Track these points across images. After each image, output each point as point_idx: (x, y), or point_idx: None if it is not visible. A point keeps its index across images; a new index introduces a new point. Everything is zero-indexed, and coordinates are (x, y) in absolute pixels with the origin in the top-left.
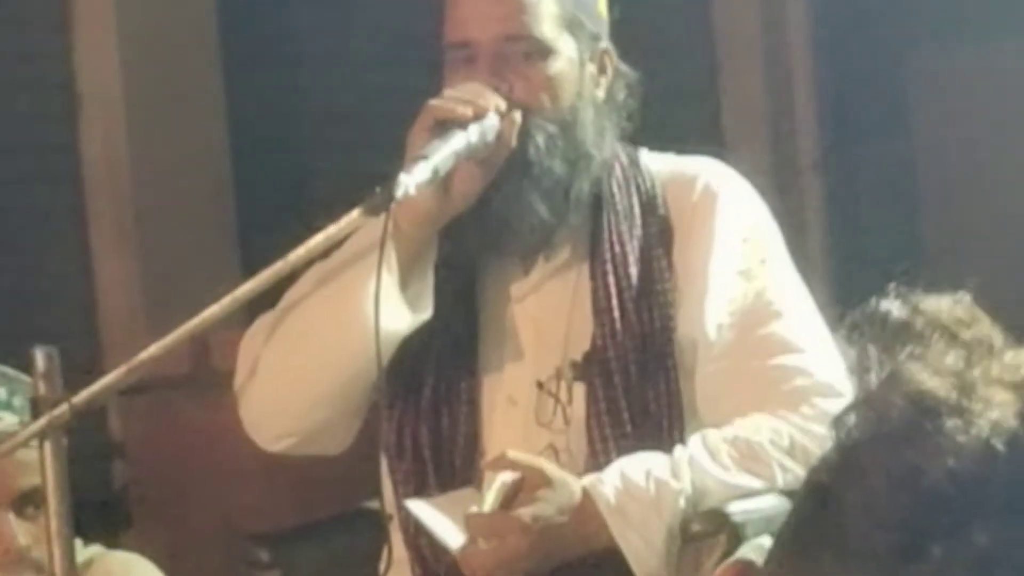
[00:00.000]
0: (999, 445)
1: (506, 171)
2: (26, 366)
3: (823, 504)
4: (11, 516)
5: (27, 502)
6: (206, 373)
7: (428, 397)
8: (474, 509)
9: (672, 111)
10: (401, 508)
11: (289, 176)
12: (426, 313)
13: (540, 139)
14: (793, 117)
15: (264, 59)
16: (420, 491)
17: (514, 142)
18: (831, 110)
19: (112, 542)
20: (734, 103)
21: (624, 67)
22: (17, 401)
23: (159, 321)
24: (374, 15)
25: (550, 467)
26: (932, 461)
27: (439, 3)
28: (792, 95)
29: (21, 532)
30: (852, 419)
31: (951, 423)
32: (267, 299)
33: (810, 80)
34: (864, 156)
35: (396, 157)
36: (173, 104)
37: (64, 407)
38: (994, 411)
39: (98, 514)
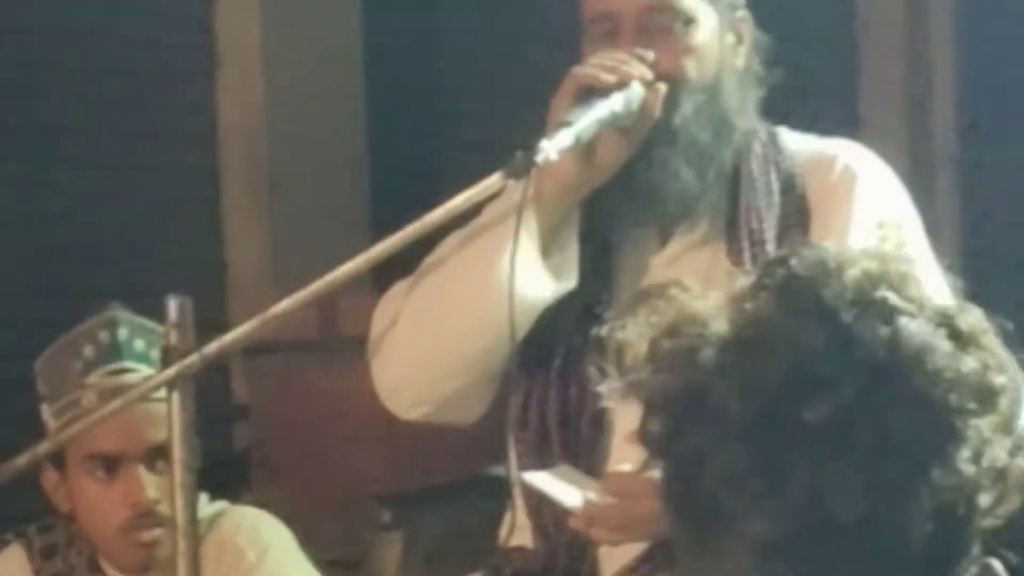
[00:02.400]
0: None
1: (652, 140)
2: (157, 321)
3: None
4: (141, 469)
5: (157, 456)
6: (333, 339)
7: (558, 367)
8: (620, 467)
9: (809, 102)
10: (523, 483)
11: (424, 149)
12: (570, 282)
13: (687, 108)
14: (932, 110)
15: (404, 30)
16: (544, 461)
17: (659, 112)
18: (971, 105)
19: (231, 503)
20: (873, 94)
21: (761, 36)
22: (155, 353)
23: (286, 286)
24: None
25: None
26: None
27: None
28: (932, 88)
29: (151, 485)
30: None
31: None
32: (399, 267)
33: (951, 74)
34: (1003, 152)
35: (533, 131)
36: (311, 70)
37: (194, 357)
38: None
39: (217, 475)
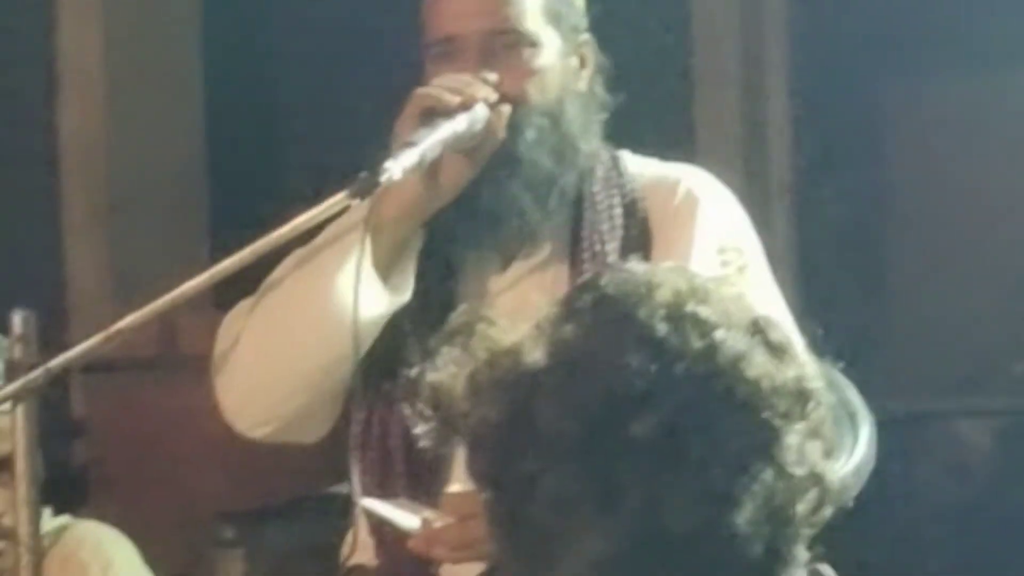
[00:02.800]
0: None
1: (494, 164)
2: None
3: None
4: None
5: (1, 469)
6: (172, 356)
7: (403, 388)
8: (454, 488)
9: (646, 126)
10: (362, 509)
11: (263, 170)
12: (404, 296)
13: (529, 133)
14: (766, 143)
15: (244, 51)
16: (385, 480)
17: (503, 133)
18: (804, 137)
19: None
20: (708, 125)
21: (603, 60)
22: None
23: (126, 304)
24: (353, 8)
25: None
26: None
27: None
28: (766, 120)
29: None
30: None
31: None
32: (240, 286)
33: (785, 106)
34: (835, 185)
35: (374, 153)
36: (152, 90)
37: (39, 371)
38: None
39: (56, 490)
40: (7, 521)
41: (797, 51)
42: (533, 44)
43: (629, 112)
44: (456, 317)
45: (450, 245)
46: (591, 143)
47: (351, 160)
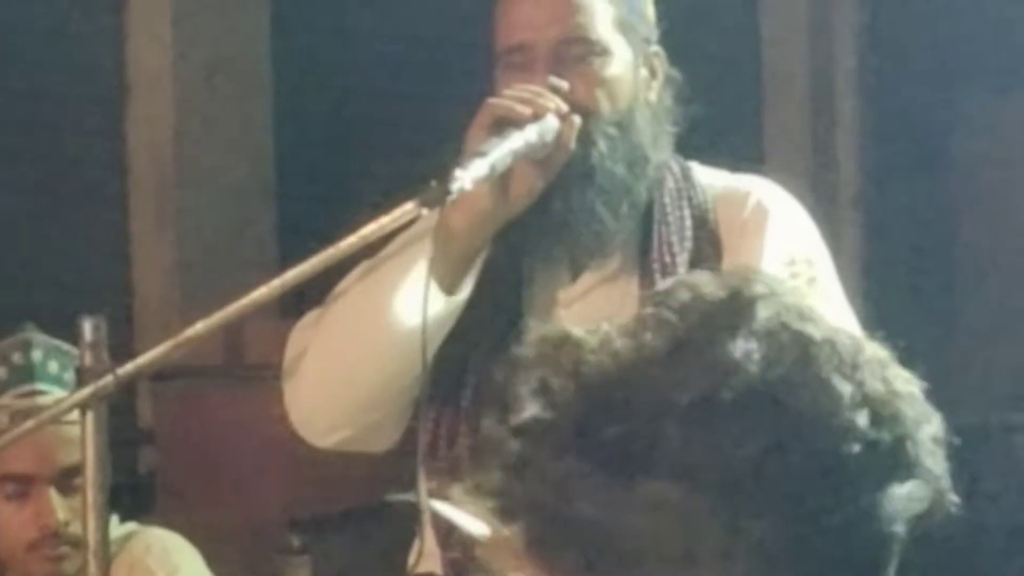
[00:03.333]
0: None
1: (568, 176)
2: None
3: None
4: (52, 491)
5: (69, 478)
6: (238, 365)
7: (469, 397)
8: None
9: (714, 139)
10: (431, 512)
11: (333, 179)
12: (463, 294)
13: (602, 143)
14: (835, 152)
15: (315, 60)
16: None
17: (573, 145)
18: (873, 147)
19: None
20: (777, 133)
21: (672, 72)
22: (68, 376)
23: (192, 312)
24: (430, 21)
25: None
26: None
27: (491, 10)
28: (835, 129)
29: (61, 508)
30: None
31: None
32: (308, 295)
33: (854, 116)
34: (904, 198)
35: (445, 163)
36: (221, 97)
37: (108, 378)
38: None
39: (122, 498)
40: (73, 529)
41: (867, 62)
42: (604, 53)
43: (699, 124)
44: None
45: (520, 255)
46: (661, 154)
47: (422, 169)
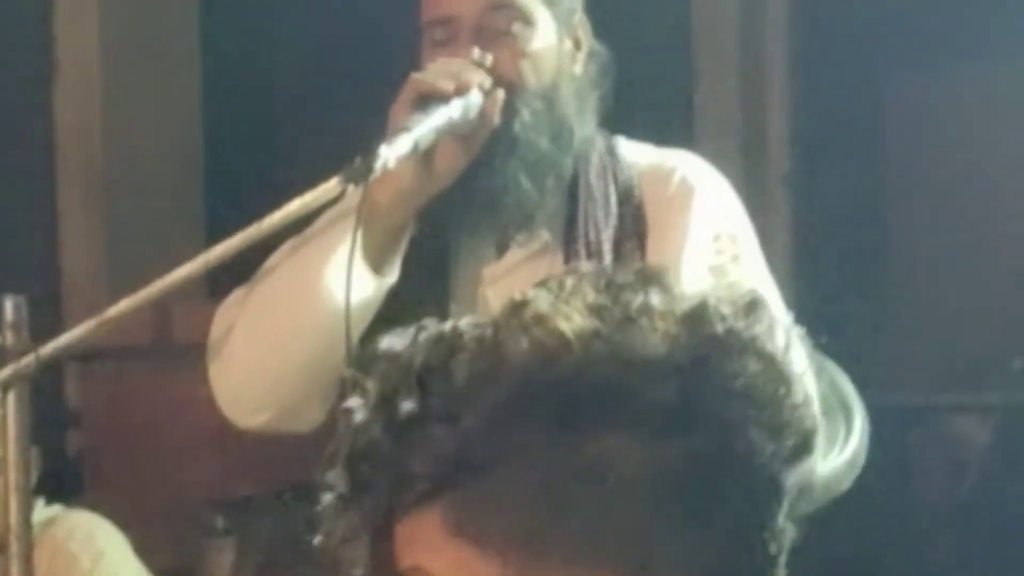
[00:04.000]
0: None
1: (491, 147)
2: None
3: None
4: None
5: None
6: (166, 345)
7: None
8: None
9: (645, 116)
10: None
11: (259, 155)
12: (391, 277)
13: (526, 114)
14: (765, 130)
15: (241, 36)
16: None
17: (497, 120)
18: (803, 127)
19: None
20: (708, 113)
21: (596, 44)
22: None
23: (121, 291)
24: None
25: None
26: None
27: None
28: (765, 109)
29: None
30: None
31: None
32: (234, 274)
33: (784, 95)
34: (833, 175)
35: (369, 139)
36: (149, 74)
37: (30, 358)
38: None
39: (50, 480)
40: None
41: (798, 38)
42: (528, 22)
43: (628, 98)
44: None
45: (445, 231)
46: (586, 127)
47: (348, 146)
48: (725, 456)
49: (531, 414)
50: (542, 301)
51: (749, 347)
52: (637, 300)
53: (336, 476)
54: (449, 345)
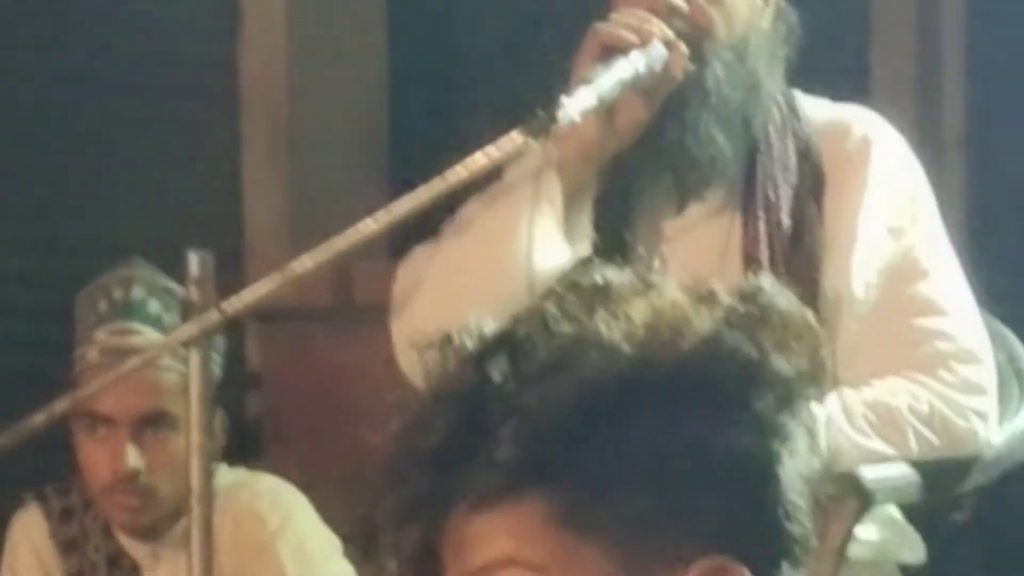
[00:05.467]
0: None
1: (682, 100)
2: (175, 277)
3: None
4: (126, 437)
5: (146, 425)
6: (347, 306)
7: None
8: None
9: (820, 74)
10: None
11: (445, 111)
12: (583, 247)
13: (717, 66)
14: (941, 93)
15: None
16: None
17: (680, 74)
18: (981, 89)
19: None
20: (883, 72)
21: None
22: (168, 318)
23: (303, 246)
24: None
25: None
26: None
27: None
28: (942, 70)
29: (132, 455)
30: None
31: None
32: (415, 233)
33: (961, 56)
34: (1011, 138)
35: (553, 91)
36: (334, 28)
37: (214, 314)
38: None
39: (230, 443)
40: (144, 479)
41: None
42: None
43: (803, 52)
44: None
45: (627, 188)
46: (773, 83)
47: (532, 100)
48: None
49: (638, 401)
50: (638, 288)
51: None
52: (731, 302)
53: (410, 456)
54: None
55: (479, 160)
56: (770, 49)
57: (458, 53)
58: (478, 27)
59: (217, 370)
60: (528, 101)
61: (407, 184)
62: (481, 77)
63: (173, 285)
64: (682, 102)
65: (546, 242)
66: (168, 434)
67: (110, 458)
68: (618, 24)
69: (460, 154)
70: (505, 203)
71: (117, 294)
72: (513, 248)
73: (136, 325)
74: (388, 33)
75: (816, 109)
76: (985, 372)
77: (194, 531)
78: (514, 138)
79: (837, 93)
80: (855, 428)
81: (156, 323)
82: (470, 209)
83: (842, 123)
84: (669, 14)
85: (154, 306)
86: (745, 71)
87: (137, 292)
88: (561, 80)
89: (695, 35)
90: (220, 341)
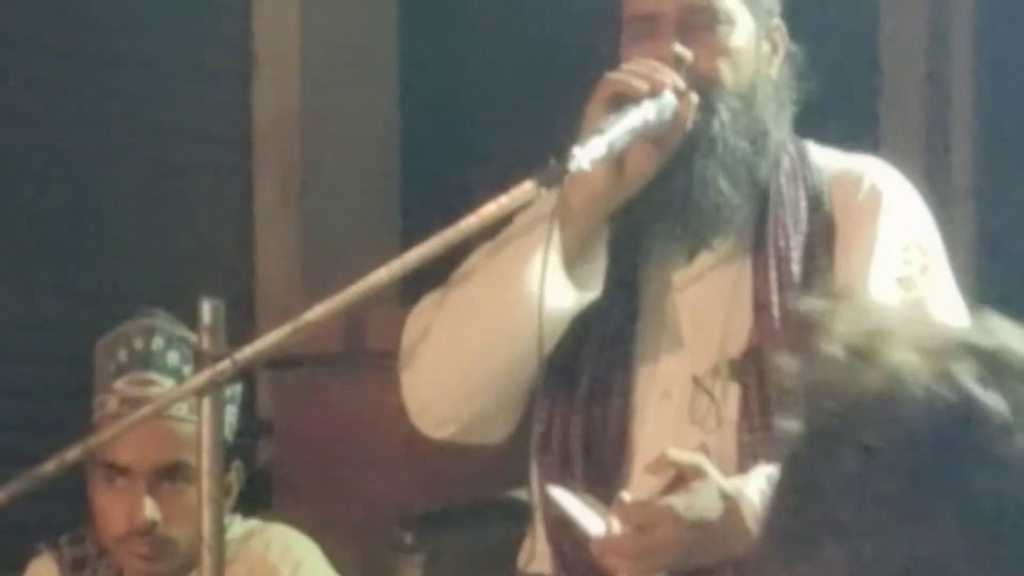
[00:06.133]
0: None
1: (689, 148)
2: (185, 322)
3: (807, 489)
4: (144, 488)
5: (163, 476)
6: (359, 353)
7: (584, 385)
8: (625, 496)
9: (829, 123)
10: (545, 500)
11: (456, 158)
12: (594, 291)
13: (724, 114)
14: (950, 142)
15: (440, 37)
16: (565, 483)
17: (690, 123)
18: (990, 138)
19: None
20: (892, 121)
21: (793, 48)
22: (188, 369)
23: (314, 296)
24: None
25: (708, 465)
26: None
27: None
28: (950, 119)
29: (150, 507)
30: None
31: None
32: (427, 280)
33: (970, 106)
34: (1021, 188)
35: (564, 141)
36: (347, 74)
37: (226, 363)
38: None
39: (241, 491)
40: (162, 531)
41: (984, 47)
42: (729, 22)
43: (813, 103)
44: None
45: (638, 236)
46: (781, 131)
47: (543, 148)
48: None
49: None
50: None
51: None
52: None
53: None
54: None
55: (491, 209)
56: (778, 97)
57: (470, 100)
58: (490, 75)
59: (233, 420)
60: (539, 149)
61: (419, 230)
62: (492, 124)
63: (193, 336)
64: (688, 150)
65: (551, 286)
66: (185, 485)
67: (127, 509)
68: (630, 73)
69: (471, 199)
70: (510, 250)
71: (137, 344)
72: (519, 294)
73: (155, 376)
74: (400, 79)
75: (828, 159)
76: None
77: None
78: (526, 188)
79: (846, 142)
80: None
81: (175, 374)
82: (476, 257)
83: (853, 173)
84: (677, 64)
85: (173, 358)
86: (752, 119)
87: (157, 343)
88: (572, 128)
89: (702, 84)
90: (237, 391)
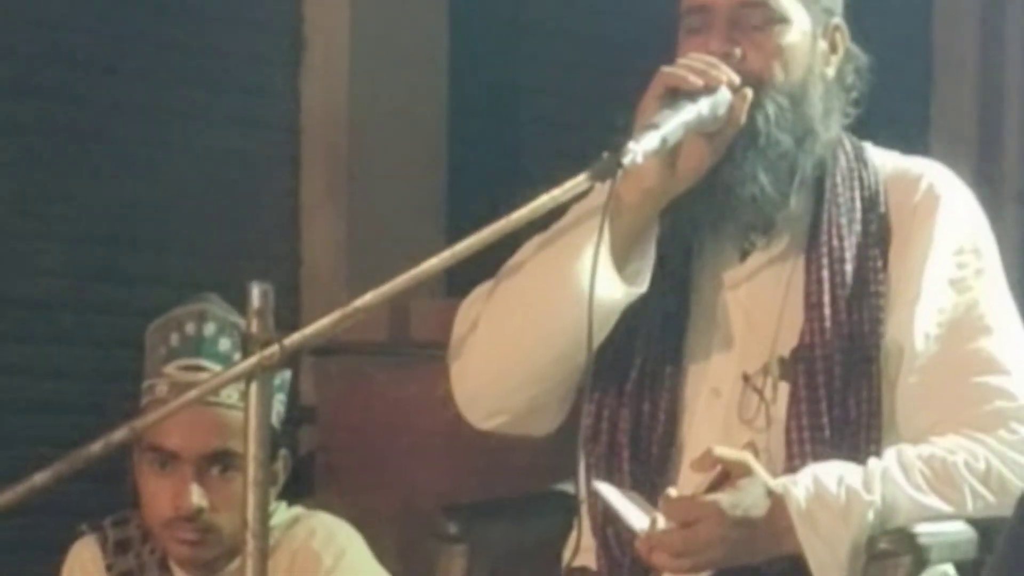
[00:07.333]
0: None
1: (733, 141)
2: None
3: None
4: (191, 475)
5: (211, 463)
6: (403, 342)
7: (634, 380)
8: (672, 492)
9: (881, 126)
10: (591, 494)
11: (504, 149)
12: (642, 287)
13: (770, 110)
14: (1001, 147)
15: (490, 27)
16: (612, 477)
17: (744, 119)
18: None
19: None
20: (943, 126)
21: (855, 48)
22: (237, 357)
23: (360, 282)
24: None
25: (754, 463)
26: None
27: None
28: (1003, 125)
29: (196, 493)
30: None
31: None
32: (473, 271)
33: (1021, 110)
34: None
35: (617, 134)
36: (397, 60)
37: (274, 347)
38: None
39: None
40: (207, 517)
41: None
42: (782, 21)
43: (865, 104)
44: None
45: (688, 232)
46: (831, 131)
47: (592, 141)
48: None
49: None
50: None
51: None
52: None
53: None
54: None
55: (543, 201)
56: (830, 97)
57: (519, 87)
58: (539, 63)
59: (282, 408)
60: (587, 142)
61: (464, 220)
62: (541, 111)
63: (243, 323)
64: (732, 143)
65: (601, 279)
66: (233, 473)
67: (174, 495)
68: (685, 68)
69: (517, 190)
70: (561, 243)
71: (190, 329)
72: (569, 287)
73: (205, 362)
74: (450, 66)
75: (884, 160)
76: None
77: (249, 566)
78: (580, 181)
79: (897, 145)
80: (911, 483)
81: (225, 361)
82: (527, 249)
83: (910, 174)
84: (727, 59)
85: (225, 344)
86: (799, 116)
87: (209, 329)
88: (625, 121)
89: (752, 80)
90: (286, 379)
